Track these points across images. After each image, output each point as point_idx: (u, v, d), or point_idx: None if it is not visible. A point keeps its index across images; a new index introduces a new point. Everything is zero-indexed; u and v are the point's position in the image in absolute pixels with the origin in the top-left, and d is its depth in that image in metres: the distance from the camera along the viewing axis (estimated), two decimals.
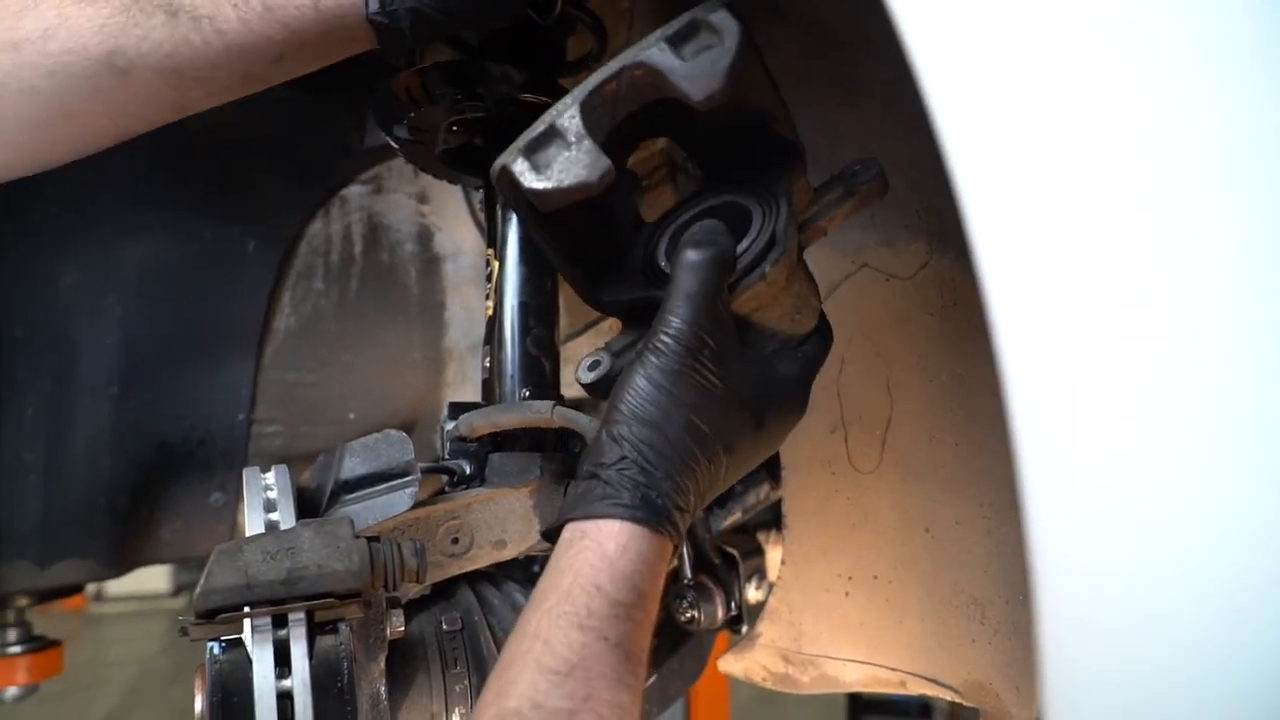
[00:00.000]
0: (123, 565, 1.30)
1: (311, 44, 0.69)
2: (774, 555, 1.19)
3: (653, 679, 1.05)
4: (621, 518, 0.57)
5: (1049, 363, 0.41)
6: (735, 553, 1.18)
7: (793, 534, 1.08)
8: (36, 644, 1.34)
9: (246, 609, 0.61)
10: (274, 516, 0.71)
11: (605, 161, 0.63)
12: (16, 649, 1.32)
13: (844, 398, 1.01)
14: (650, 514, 0.57)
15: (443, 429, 0.87)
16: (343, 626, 0.65)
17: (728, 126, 0.68)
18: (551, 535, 0.61)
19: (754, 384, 0.64)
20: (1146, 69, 0.41)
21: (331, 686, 0.63)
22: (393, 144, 0.97)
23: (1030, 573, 0.42)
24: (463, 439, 0.85)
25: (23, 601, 1.30)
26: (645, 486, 0.57)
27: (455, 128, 0.91)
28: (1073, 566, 0.41)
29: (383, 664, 0.70)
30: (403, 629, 0.72)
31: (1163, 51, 0.41)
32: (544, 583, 0.57)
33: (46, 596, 1.30)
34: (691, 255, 0.62)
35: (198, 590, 0.61)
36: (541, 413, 0.79)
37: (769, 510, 1.24)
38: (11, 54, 0.66)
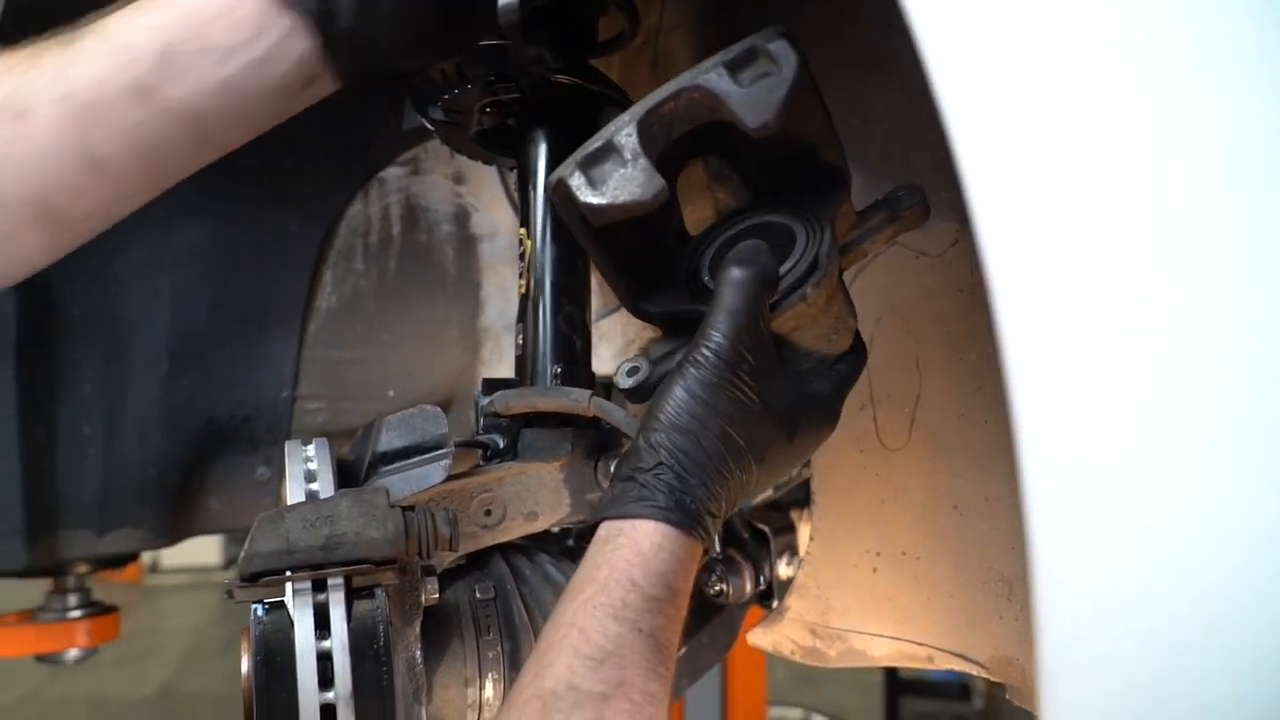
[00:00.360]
0: (174, 535, 1.35)
1: None
2: (805, 532, 1.20)
3: (682, 650, 1.07)
4: (656, 519, 0.59)
5: (1052, 360, 0.42)
6: (767, 529, 1.19)
7: (821, 510, 1.09)
8: (95, 609, 1.40)
9: (288, 573, 0.64)
10: (314, 486, 0.73)
11: (659, 181, 0.64)
12: (76, 613, 1.38)
13: (873, 375, 1.01)
14: (683, 517, 0.59)
15: (477, 404, 0.90)
16: (379, 592, 0.67)
17: (779, 153, 0.68)
18: (587, 533, 0.63)
19: (789, 400, 0.65)
20: (1146, 69, 0.41)
21: (368, 649, 0.65)
22: (428, 126, 0.98)
23: (1030, 565, 0.42)
24: (497, 415, 0.87)
25: (82, 568, 1.36)
26: (680, 491, 0.60)
27: (489, 109, 0.93)
28: (1072, 561, 0.41)
29: (418, 629, 0.73)
30: (437, 596, 0.75)
31: (1163, 51, 0.41)
32: (580, 576, 0.59)
33: (103, 564, 1.36)
34: (736, 273, 0.63)
35: (242, 555, 0.64)
36: (579, 401, 0.81)
37: (800, 487, 1.25)
38: None
